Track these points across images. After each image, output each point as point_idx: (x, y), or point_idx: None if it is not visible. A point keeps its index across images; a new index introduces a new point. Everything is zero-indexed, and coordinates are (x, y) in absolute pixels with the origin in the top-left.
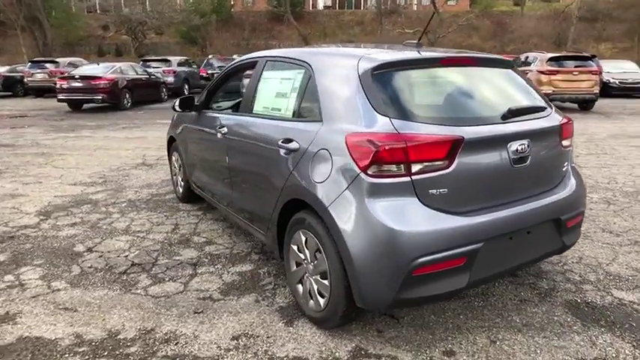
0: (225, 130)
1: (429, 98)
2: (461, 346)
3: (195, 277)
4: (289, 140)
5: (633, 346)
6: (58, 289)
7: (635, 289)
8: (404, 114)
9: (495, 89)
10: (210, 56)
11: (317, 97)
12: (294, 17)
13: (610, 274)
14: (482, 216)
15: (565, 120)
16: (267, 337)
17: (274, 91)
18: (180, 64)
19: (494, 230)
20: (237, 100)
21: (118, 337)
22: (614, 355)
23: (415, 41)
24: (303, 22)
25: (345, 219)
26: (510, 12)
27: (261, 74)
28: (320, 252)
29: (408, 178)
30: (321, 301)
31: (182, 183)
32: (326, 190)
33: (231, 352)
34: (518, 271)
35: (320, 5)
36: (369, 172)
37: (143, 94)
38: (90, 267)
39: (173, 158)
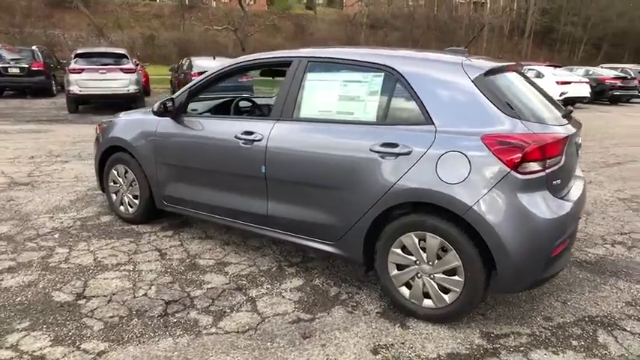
0: (258, 136)
1: (522, 101)
2: (548, 310)
3: (255, 302)
4: (393, 145)
5: None
6: (103, 351)
7: (595, 245)
8: (525, 115)
9: (537, 91)
10: None
11: (416, 101)
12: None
13: None
14: (571, 201)
15: None
16: (402, 344)
17: (335, 94)
18: None
19: (578, 212)
20: (219, 103)
21: None
22: (639, 294)
23: (462, 48)
24: (91, 11)
25: (496, 214)
26: (305, 15)
27: (303, 76)
28: (446, 250)
29: (543, 173)
30: (446, 297)
31: (137, 201)
32: (467, 190)
33: None
34: None
35: None
36: (519, 169)
37: None
38: (112, 317)
39: (114, 173)
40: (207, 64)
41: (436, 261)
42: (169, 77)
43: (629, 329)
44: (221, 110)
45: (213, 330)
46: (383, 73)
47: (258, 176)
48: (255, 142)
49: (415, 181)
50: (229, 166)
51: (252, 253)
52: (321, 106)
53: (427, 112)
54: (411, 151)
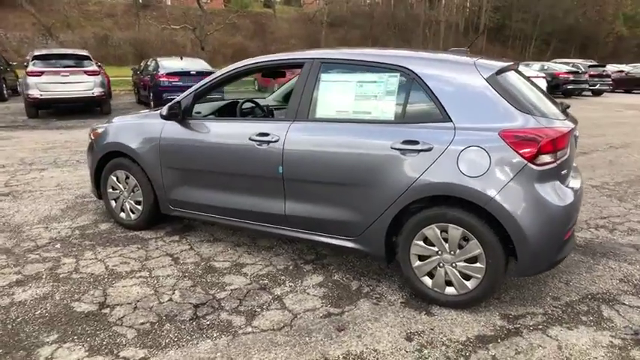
0: (274, 137)
1: (528, 97)
2: (554, 291)
3: (282, 300)
4: (414, 142)
5: (629, 263)
6: (145, 358)
7: (582, 230)
8: (535, 111)
9: (536, 88)
10: None
11: (433, 100)
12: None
13: None
14: (575, 189)
15: None
16: (431, 330)
17: (350, 95)
18: None
19: (580, 199)
20: (222, 105)
21: None
22: (628, 272)
23: (463, 49)
24: (37, 10)
25: (516, 204)
26: (264, 13)
27: (317, 78)
28: (467, 240)
29: (555, 164)
30: (468, 283)
31: (140, 207)
32: (487, 182)
33: (426, 350)
34: None
35: None
36: (535, 161)
37: None
38: (142, 323)
39: (113, 179)
40: (175, 65)
41: (458, 250)
42: (131, 79)
43: (627, 303)
44: (225, 113)
45: (249, 329)
46: (398, 74)
47: (274, 177)
48: (272, 144)
49: (438, 175)
50: (244, 167)
51: (265, 253)
52: (337, 106)
53: (445, 110)
54: (432, 148)
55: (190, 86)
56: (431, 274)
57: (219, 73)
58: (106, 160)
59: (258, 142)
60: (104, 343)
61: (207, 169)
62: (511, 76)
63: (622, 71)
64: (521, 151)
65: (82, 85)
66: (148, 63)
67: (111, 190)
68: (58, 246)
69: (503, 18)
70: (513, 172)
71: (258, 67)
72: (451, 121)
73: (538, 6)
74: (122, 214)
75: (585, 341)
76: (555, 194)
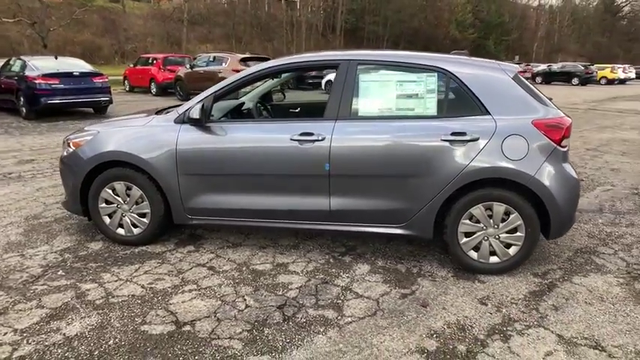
0: (320, 137)
1: (537, 93)
2: (552, 251)
3: (352, 289)
4: (462, 133)
5: (584, 223)
6: None
7: None
8: (547, 104)
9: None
10: None
11: (471, 96)
12: None
13: None
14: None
15: None
16: (493, 293)
17: (392, 93)
18: None
19: None
20: (237, 105)
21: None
22: (589, 230)
23: (464, 51)
24: None
25: (550, 180)
26: (113, 8)
27: (355, 78)
28: (508, 214)
29: (568, 147)
30: (511, 251)
31: (146, 220)
32: (528, 164)
33: (504, 309)
34: None
35: None
36: (561, 144)
37: None
38: (240, 332)
39: (109, 192)
40: (51, 65)
41: (501, 224)
42: None
43: (604, 252)
44: (236, 114)
45: (348, 319)
46: (436, 74)
47: (320, 174)
48: (317, 142)
49: (486, 161)
50: (285, 167)
51: (295, 251)
52: (379, 104)
53: (483, 105)
54: (478, 138)
55: (74, 89)
56: (476, 248)
57: (244, 73)
58: (95, 173)
59: (300, 142)
60: (217, 358)
61: (241, 173)
62: (520, 76)
63: None
64: (552, 137)
65: None
66: (10, 63)
67: (104, 205)
68: (61, 272)
69: (357, 20)
70: (546, 154)
71: (289, 67)
72: (490, 114)
73: (387, 10)
74: (120, 230)
75: (601, 283)
76: (571, 170)
